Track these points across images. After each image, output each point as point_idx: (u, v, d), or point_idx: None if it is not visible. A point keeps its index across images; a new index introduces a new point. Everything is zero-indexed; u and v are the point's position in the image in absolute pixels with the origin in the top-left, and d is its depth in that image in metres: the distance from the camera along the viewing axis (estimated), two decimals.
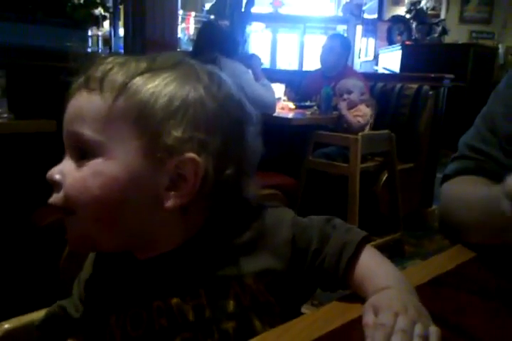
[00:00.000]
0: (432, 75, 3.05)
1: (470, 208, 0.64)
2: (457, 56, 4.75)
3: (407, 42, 5.38)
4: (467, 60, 4.76)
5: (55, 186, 0.48)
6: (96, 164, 0.47)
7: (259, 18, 6.87)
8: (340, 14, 7.96)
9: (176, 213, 0.49)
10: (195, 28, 5.04)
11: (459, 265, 0.63)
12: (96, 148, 0.47)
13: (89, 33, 3.11)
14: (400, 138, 2.55)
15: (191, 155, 0.47)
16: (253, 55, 2.64)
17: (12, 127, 1.76)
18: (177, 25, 3.45)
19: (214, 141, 0.48)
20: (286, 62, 7.48)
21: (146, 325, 0.50)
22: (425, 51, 4.87)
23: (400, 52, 4.78)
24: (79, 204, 0.47)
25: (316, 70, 3.19)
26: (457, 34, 6.28)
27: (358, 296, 0.51)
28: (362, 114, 2.57)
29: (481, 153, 0.72)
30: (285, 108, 2.80)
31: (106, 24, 3.53)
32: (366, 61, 6.91)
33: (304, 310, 0.58)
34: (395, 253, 2.58)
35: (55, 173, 0.48)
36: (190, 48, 3.48)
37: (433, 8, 6.74)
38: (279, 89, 2.92)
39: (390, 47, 5.63)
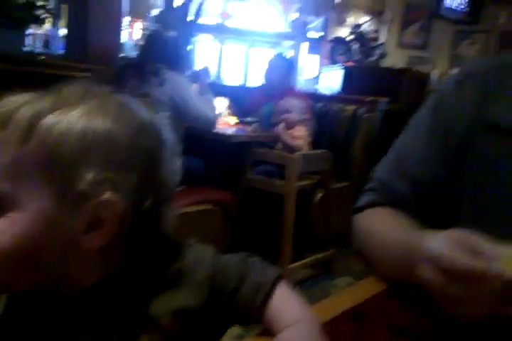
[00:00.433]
0: (368, 99, 3.19)
1: (382, 249, 0.66)
2: (394, 79, 4.98)
3: (348, 64, 5.58)
4: (403, 83, 5.00)
5: None
6: (6, 219, 0.44)
7: (207, 29, 6.88)
8: (288, 30, 8.16)
9: (95, 253, 0.49)
10: (143, 34, 4.98)
11: (373, 297, 0.64)
12: (4, 200, 0.44)
13: (30, 32, 3.00)
14: (336, 158, 2.64)
15: (107, 196, 0.46)
16: (202, 69, 2.64)
17: None
18: (120, 29, 3.40)
19: (129, 178, 0.47)
20: (233, 75, 7.53)
21: None
22: (364, 73, 5.07)
23: (341, 72, 4.95)
24: None
25: (260, 86, 3.24)
26: (396, 58, 6.59)
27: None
28: (300, 135, 2.63)
29: (389, 188, 0.72)
30: (226, 123, 2.82)
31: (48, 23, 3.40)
32: (309, 78, 7.10)
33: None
34: (325, 271, 2.65)
35: None
36: (134, 54, 3.43)
37: (374, 32, 7.06)
38: (222, 104, 2.94)
39: (332, 66, 5.82)
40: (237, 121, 2.92)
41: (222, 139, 2.44)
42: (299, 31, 7.92)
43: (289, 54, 7.99)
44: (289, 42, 8.18)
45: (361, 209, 0.74)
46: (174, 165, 0.53)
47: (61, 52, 3.81)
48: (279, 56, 3.13)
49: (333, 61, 6.38)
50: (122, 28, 3.80)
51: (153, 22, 4.14)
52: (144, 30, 5.08)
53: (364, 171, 3.22)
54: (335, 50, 6.60)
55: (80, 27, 2.93)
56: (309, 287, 2.56)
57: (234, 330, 0.58)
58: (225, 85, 4.61)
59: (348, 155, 3.07)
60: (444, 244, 0.47)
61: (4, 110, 0.45)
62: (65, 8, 4.03)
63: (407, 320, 0.64)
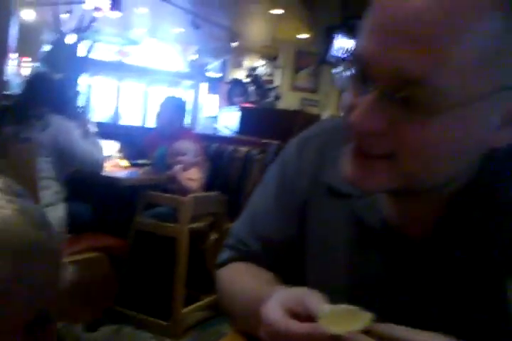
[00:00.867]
0: (261, 141, 3.33)
1: (240, 306, 0.68)
2: (287, 121, 5.25)
3: (245, 105, 5.81)
4: (296, 124, 5.29)
5: None
6: None
7: (104, 66, 6.79)
8: (187, 70, 8.31)
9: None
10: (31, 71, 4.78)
11: None
12: None
13: None
14: (231, 198, 2.69)
15: None
16: (81, 110, 2.58)
17: None
18: (5, 66, 3.23)
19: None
20: (131, 114, 7.43)
21: None
22: (260, 114, 5.29)
23: (238, 113, 5.12)
24: None
25: (154, 128, 3.24)
26: (290, 100, 6.99)
27: None
28: (195, 177, 2.65)
29: (244, 245, 0.73)
30: (117, 166, 2.77)
31: None
32: (209, 117, 7.25)
33: None
34: (220, 312, 2.63)
35: None
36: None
37: (269, 75, 7.44)
38: (112, 147, 2.89)
39: (229, 107, 6.01)
40: (128, 164, 2.87)
41: (112, 182, 2.39)
42: (197, 71, 8.11)
43: (189, 93, 8.13)
44: (188, 82, 8.32)
45: (223, 264, 0.76)
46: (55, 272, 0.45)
47: None
48: (170, 98, 3.16)
49: (231, 102, 6.59)
50: (8, 65, 3.62)
51: (40, 60, 3.97)
52: (32, 67, 4.88)
53: None
54: (233, 91, 6.84)
55: None
56: (204, 329, 2.53)
57: None
58: (121, 125, 4.54)
59: (242, 196, 3.14)
60: (276, 308, 0.49)
61: None
62: None
63: None
